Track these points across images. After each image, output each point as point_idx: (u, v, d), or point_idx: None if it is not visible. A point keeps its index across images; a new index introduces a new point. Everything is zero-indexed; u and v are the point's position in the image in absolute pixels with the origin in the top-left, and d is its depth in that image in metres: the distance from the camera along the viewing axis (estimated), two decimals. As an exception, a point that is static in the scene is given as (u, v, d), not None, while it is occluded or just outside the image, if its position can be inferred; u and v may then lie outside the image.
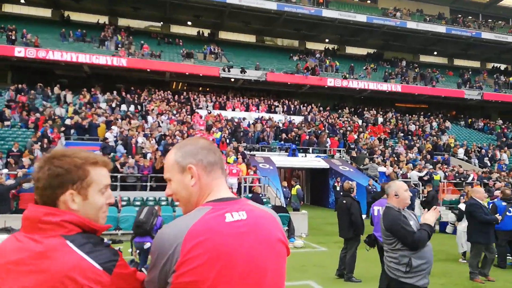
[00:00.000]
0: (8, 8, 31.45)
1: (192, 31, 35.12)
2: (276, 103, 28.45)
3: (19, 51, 23.46)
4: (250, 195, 13.03)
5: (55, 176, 1.21)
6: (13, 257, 1.13)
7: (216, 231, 1.23)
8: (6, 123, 18.66)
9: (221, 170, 1.40)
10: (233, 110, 26.17)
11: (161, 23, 34.72)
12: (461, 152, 23.76)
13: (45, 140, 16.01)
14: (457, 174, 19.22)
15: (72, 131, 18.51)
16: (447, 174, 19.00)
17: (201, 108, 25.38)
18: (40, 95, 23.31)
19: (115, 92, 24.58)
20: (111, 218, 10.11)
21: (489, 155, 23.88)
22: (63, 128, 18.14)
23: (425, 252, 3.30)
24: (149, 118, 21.39)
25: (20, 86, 22.98)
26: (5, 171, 12.53)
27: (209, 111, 24.79)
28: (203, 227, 1.22)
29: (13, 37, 24.54)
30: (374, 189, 16.63)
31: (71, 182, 1.23)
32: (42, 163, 1.25)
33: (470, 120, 32.75)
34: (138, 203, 12.98)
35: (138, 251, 6.92)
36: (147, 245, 6.77)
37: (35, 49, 23.87)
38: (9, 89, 22.60)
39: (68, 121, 18.92)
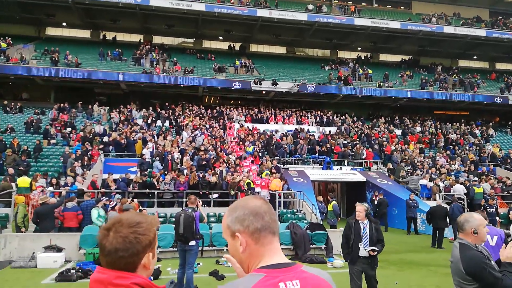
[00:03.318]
0: (51, 31, 33.25)
1: (223, 45, 35.63)
2: (308, 114, 28.17)
3: (62, 72, 24.63)
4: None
5: (146, 245, 1.35)
6: None
7: None
8: (52, 141, 19.50)
9: (271, 235, 1.36)
10: (266, 122, 26.12)
11: (194, 39, 35.46)
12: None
13: (85, 158, 16.57)
14: (504, 187, 18.08)
15: (111, 147, 19.08)
16: (494, 186, 17.86)
17: (233, 122, 25.53)
18: (80, 113, 24.33)
19: (150, 108, 25.23)
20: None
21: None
22: (101, 146, 18.71)
23: None
24: (184, 133, 21.70)
25: (62, 105, 24.06)
26: (50, 189, 13.03)
27: (241, 125, 24.88)
28: None
29: (56, 59, 25.82)
30: (415, 204, 15.90)
31: (151, 246, 1.38)
32: (125, 231, 1.34)
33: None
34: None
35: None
36: (192, 242, 6.95)
37: (76, 69, 24.97)
38: (52, 108, 23.71)
39: (106, 138, 19.52)
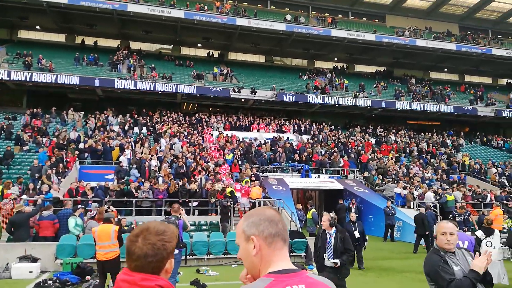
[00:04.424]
0: (23, 34, 32.29)
1: (202, 52, 35.60)
2: (287, 123, 28.48)
3: (35, 76, 23.90)
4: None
5: (170, 251, 1.50)
6: None
7: None
8: (25, 147, 18.87)
9: (282, 242, 1.46)
10: (245, 130, 26.22)
11: (172, 45, 35.29)
12: (492, 171, 23.31)
13: (60, 165, 16.12)
14: (474, 195, 18.81)
15: (86, 155, 18.64)
16: (465, 194, 18.56)
17: (213, 129, 25.50)
18: (54, 119, 23.68)
19: (127, 115, 24.84)
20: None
21: (506, 174, 23.40)
22: (77, 152, 18.24)
23: None
24: (162, 140, 21.47)
25: (35, 110, 23.35)
26: (24, 197, 12.58)
27: (220, 132, 24.87)
28: None
29: (29, 63, 25.08)
30: (393, 211, 16.30)
31: (173, 253, 1.54)
32: (154, 239, 1.47)
33: (485, 137, 32.28)
34: (153, 228, 12.87)
35: None
36: (175, 251, 6.72)
37: (50, 74, 24.31)
38: (25, 113, 22.97)
39: (81, 145, 19.06)
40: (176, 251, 6.88)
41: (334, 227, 6.06)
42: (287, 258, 1.46)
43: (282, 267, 1.41)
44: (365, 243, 10.70)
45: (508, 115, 31.96)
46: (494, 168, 23.97)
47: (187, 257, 10.86)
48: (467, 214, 14.49)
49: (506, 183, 22.14)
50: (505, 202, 17.20)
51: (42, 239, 10.17)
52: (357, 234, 10.33)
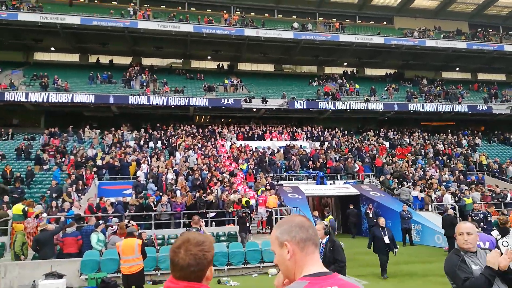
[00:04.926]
0: (39, 56, 33.30)
1: (212, 65, 36.08)
2: (299, 130, 28.54)
3: (52, 97, 24.58)
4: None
5: (210, 260, 1.61)
6: None
7: None
8: (45, 167, 19.36)
9: (314, 246, 1.56)
10: (258, 139, 26.38)
11: (182, 59, 35.88)
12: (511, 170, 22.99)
13: (80, 182, 16.50)
14: (494, 195, 18.50)
15: (104, 171, 19.02)
16: (485, 194, 18.28)
17: (226, 139, 25.73)
18: (71, 137, 24.25)
19: (142, 130, 25.28)
20: (150, 258, 10.07)
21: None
22: (95, 169, 18.63)
23: None
24: (177, 153, 21.76)
25: (53, 129, 23.96)
26: (45, 215, 12.94)
27: (233, 142, 25.07)
28: None
29: (45, 84, 25.82)
30: (409, 215, 16.16)
31: (212, 261, 1.64)
32: (195, 250, 1.59)
33: (502, 135, 31.73)
34: (173, 240, 13.06)
35: None
36: None
37: (66, 94, 24.98)
38: (43, 133, 23.59)
39: (99, 162, 19.47)
40: None
41: (328, 236, 6.03)
42: (319, 261, 1.57)
43: (316, 270, 1.51)
44: (395, 250, 10.30)
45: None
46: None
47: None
48: (482, 214, 14.23)
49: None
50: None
51: (66, 256, 10.43)
52: (386, 240, 9.96)
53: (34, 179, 18.14)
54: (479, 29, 37.32)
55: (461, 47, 33.34)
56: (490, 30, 38.07)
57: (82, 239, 10.65)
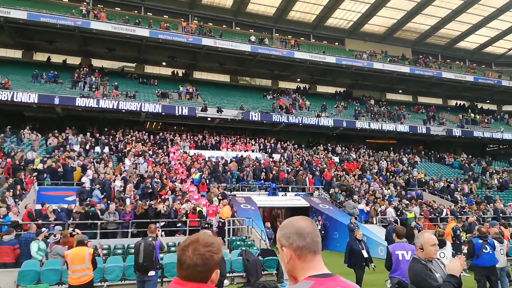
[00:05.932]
0: (-24, 49, 30.73)
1: (166, 71, 35.46)
2: (252, 141, 28.77)
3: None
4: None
5: (217, 262, 1.61)
6: None
7: None
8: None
9: (312, 254, 1.60)
10: (211, 149, 26.20)
11: (135, 63, 34.90)
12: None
13: (18, 187, 15.31)
14: (431, 210, 19.82)
15: (45, 175, 17.82)
16: (423, 209, 19.52)
17: (178, 147, 25.25)
18: (9, 138, 22.52)
19: (88, 134, 24.10)
20: (97, 269, 9.56)
21: (458, 189, 24.88)
22: (35, 174, 17.40)
23: None
24: (126, 160, 20.97)
25: (-12, 129, 22.10)
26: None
27: (184, 151, 24.67)
28: None
29: (-18, 79, 23.85)
30: (356, 227, 16.77)
31: (219, 264, 1.64)
32: (203, 250, 1.59)
33: (438, 155, 34.28)
34: (119, 251, 12.49)
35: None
36: (151, 273, 6.79)
37: (6, 91, 23.20)
38: (-24, 132, 21.66)
39: (40, 166, 18.21)
40: (153, 273, 6.78)
41: None
42: (321, 264, 1.61)
43: (320, 272, 1.57)
44: (372, 264, 9.62)
45: (459, 134, 34.18)
46: (447, 183, 25.47)
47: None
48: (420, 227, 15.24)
49: (459, 198, 23.50)
50: (459, 216, 18.25)
51: (1, 266, 9.57)
52: (365, 254, 9.27)
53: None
54: (421, 56, 40.33)
55: (404, 71, 35.73)
56: (430, 58, 41.24)
57: (20, 248, 9.83)
